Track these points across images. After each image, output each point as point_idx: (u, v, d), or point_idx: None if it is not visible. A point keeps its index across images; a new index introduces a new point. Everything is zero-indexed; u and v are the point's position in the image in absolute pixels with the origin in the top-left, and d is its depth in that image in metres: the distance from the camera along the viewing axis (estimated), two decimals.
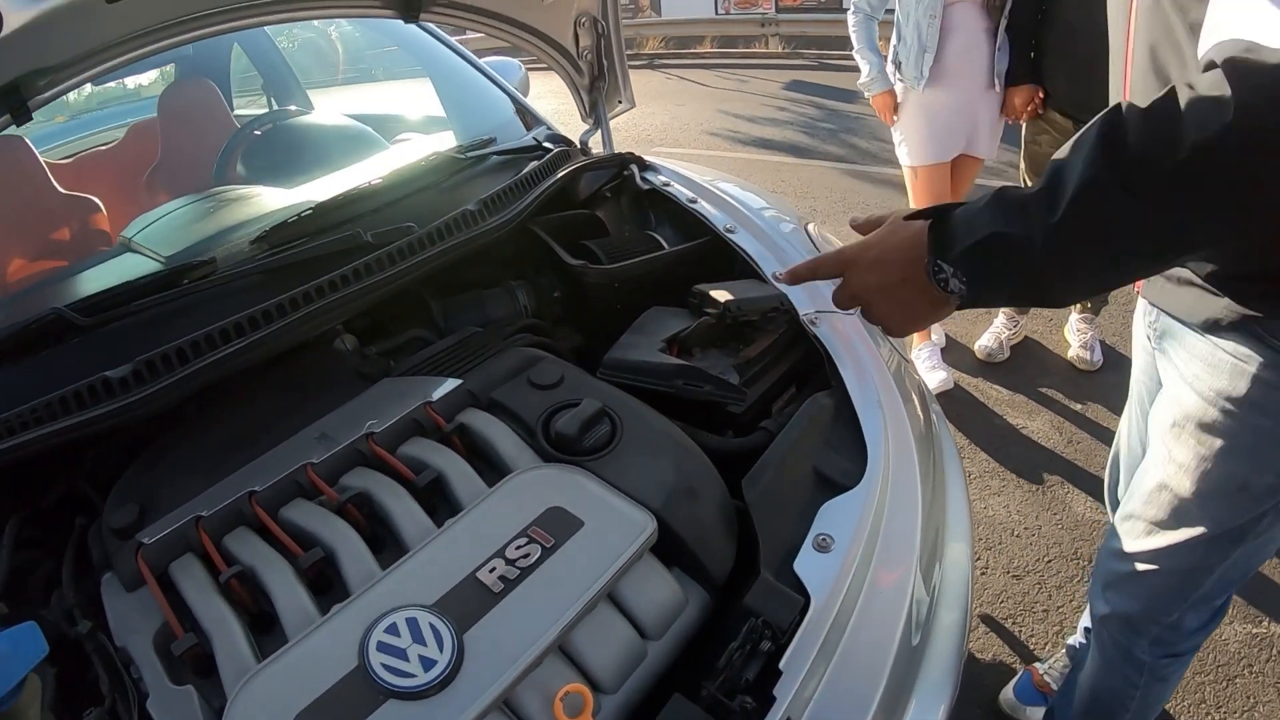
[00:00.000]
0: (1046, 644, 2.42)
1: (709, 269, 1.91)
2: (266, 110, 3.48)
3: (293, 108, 3.43)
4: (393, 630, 1.01)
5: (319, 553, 1.14)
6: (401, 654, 0.98)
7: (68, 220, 2.45)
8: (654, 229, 2.16)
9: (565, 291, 1.95)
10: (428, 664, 0.97)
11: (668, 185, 2.13)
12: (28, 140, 2.53)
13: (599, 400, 1.37)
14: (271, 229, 1.73)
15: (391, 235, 1.68)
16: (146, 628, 1.10)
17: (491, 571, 1.08)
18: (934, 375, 3.57)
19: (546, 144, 2.25)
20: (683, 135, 8.68)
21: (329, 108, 3.69)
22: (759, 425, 1.51)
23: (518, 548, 1.11)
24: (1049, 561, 2.72)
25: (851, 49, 3.44)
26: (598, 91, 2.39)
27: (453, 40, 2.76)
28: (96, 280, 1.85)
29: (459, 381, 1.46)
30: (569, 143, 2.37)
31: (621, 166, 2.23)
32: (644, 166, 2.24)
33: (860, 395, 1.53)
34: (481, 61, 2.73)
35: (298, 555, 1.14)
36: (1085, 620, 2.15)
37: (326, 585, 1.15)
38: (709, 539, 1.22)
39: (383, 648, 0.99)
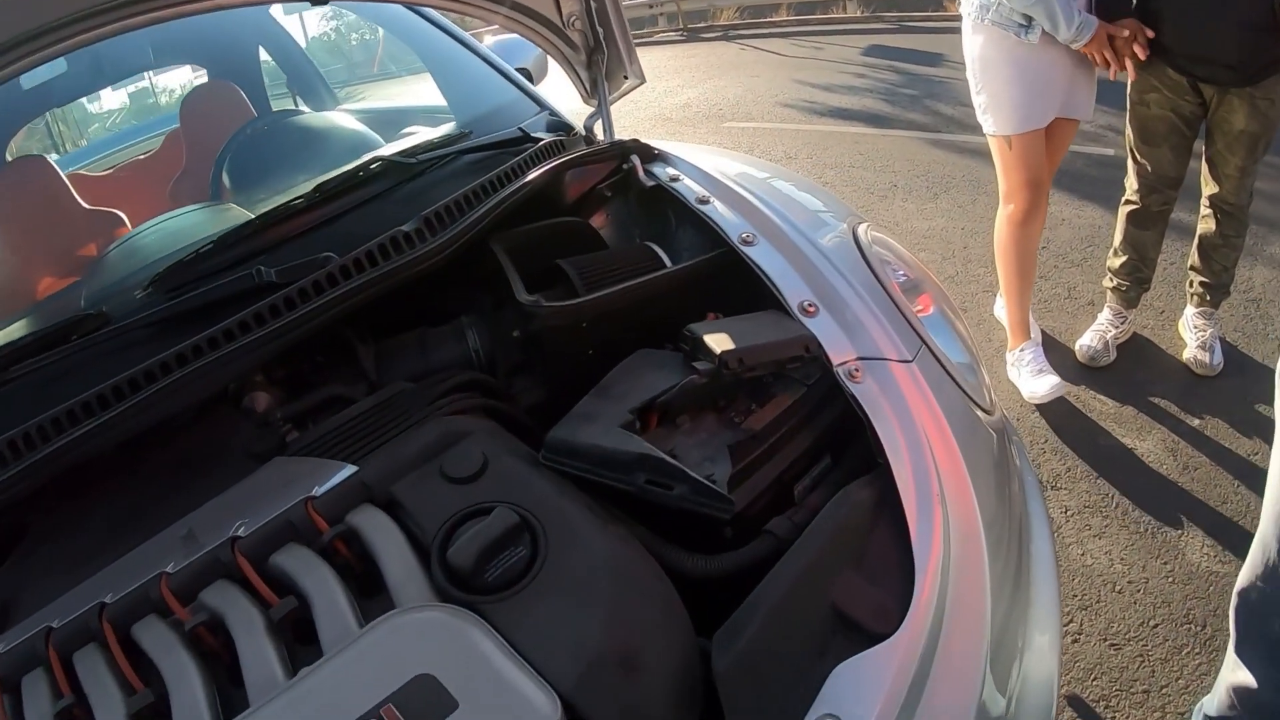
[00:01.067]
0: None
1: (726, 294, 1.49)
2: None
3: (279, 111, 3.23)
4: None
5: (149, 696, 0.97)
6: None
7: (92, 236, 2.44)
8: (672, 234, 1.72)
9: (525, 331, 1.53)
10: None
11: (676, 180, 1.67)
12: (50, 159, 2.62)
13: (516, 510, 1.04)
14: (165, 271, 1.53)
15: (300, 271, 1.39)
16: None
17: None
18: (1041, 381, 3.05)
19: (537, 135, 1.82)
20: (755, 108, 8.27)
21: (346, 106, 3.55)
22: (765, 528, 1.11)
23: None
24: (1154, 626, 2.23)
25: (996, 4, 2.74)
26: (596, 68, 1.97)
27: (446, 22, 2.47)
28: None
29: (354, 469, 1.18)
30: (570, 130, 1.95)
31: (621, 158, 1.77)
32: (650, 157, 1.79)
33: (914, 483, 1.12)
34: (483, 44, 2.43)
35: (135, 691, 0.99)
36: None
37: None
38: None
39: None
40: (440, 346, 1.52)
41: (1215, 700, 1.65)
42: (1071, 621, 2.28)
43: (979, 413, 1.34)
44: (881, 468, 1.14)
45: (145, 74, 4.08)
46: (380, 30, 4.11)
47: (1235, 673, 1.51)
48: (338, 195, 1.61)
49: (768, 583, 1.01)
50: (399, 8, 2.55)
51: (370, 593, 1.05)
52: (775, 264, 1.42)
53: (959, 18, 2.88)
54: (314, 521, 1.11)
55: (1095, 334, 3.31)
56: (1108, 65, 2.70)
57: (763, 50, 11.11)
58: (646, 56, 2.13)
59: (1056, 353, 3.38)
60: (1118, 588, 2.35)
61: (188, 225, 2.02)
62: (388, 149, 2.02)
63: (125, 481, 1.35)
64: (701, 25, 13.32)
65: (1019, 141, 2.86)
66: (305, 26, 4.03)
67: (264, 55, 3.54)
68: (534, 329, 1.44)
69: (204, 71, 3.71)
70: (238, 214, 1.96)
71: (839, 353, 1.26)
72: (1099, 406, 3.07)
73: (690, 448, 1.16)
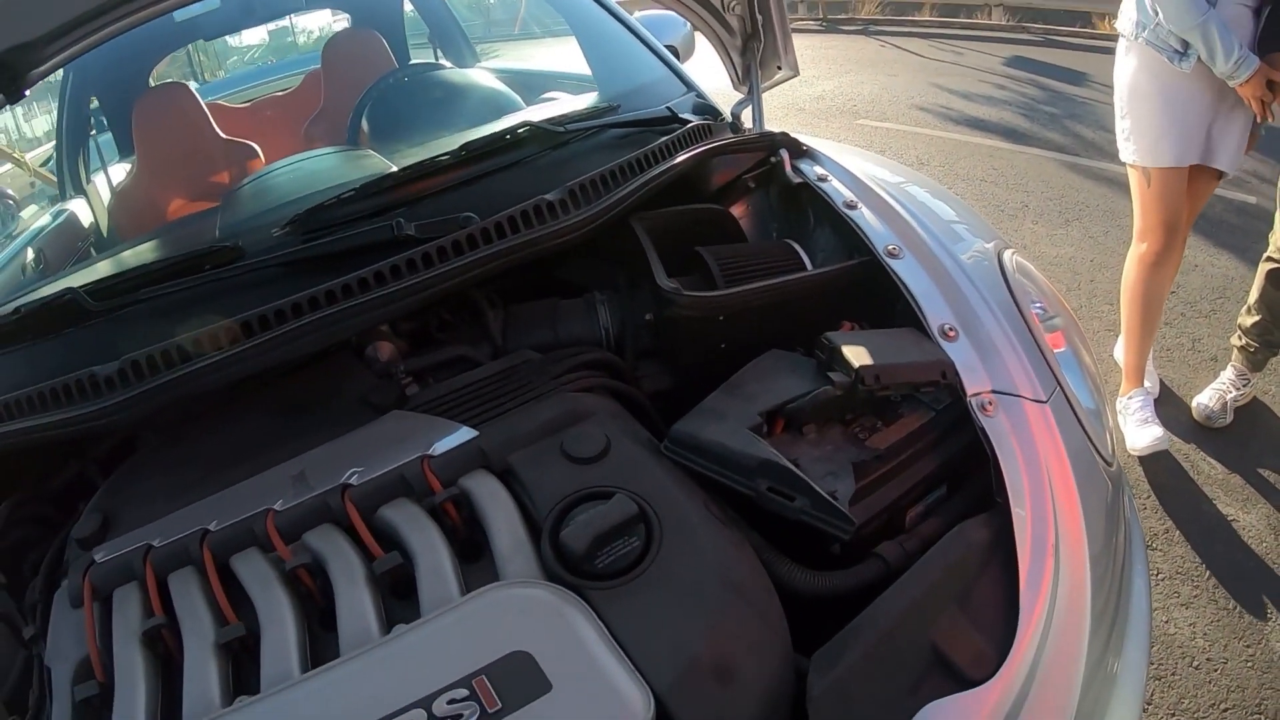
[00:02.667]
0: None
1: (861, 303, 1.46)
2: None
3: (421, 63, 3.30)
4: None
5: (240, 629, 1.00)
6: None
7: (227, 165, 2.54)
8: (810, 233, 1.69)
9: (659, 316, 1.50)
10: None
11: (824, 180, 1.63)
12: (191, 86, 2.74)
13: (635, 499, 1.03)
14: (305, 213, 1.51)
15: (441, 228, 1.38)
16: (73, 654, 1.05)
17: None
18: (1144, 432, 2.93)
19: (685, 115, 1.79)
20: (891, 108, 8.06)
21: (487, 65, 3.55)
22: (875, 550, 1.09)
23: (452, 702, 0.85)
24: (1224, 710, 2.14)
25: (1154, 23, 2.59)
26: (750, 55, 1.93)
27: None
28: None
29: (473, 434, 1.19)
30: (716, 115, 1.92)
31: (769, 150, 1.74)
32: (798, 153, 1.75)
33: (1031, 531, 1.08)
34: (633, 16, 2.39)
35: (227, 623, 1.02)
36: None
37: (254, 661, 0.99)
38: None
39: None
40: (570, 319, 1.51)
41: None
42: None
43: (1100, 462, 1.30)
44: (999, 507, 1.11)
45: (289, 15, 4.18)
46: None
47: None
48: (482, 157, 1.59)
49: (873, 610, 1.00)
50: None
51: (473, 560, 1.06)
52: (919, 281, 1.38)
53: (1108, 37, 2.80)
54: (428, 480, 1.12)
55: (1214, 393, 3.15)
56: (1264, 111, 2.55)
57: (902, 49, 10.82)
58: None
59: (1171, 406, 3.24)
60: (1195, 663, 2.27)
61: (326, 168, 2.06)
62: (533, 114, 2.01)
63: (238, 417, 1.38)
64: (842, 17, 13.04)
65: (1158, 177, 2.74)
66: None
67: (407, 6, 3.61)
68: (669, 315, 1.41)
69: (346, 17, 3.86)
70: (377, 163, 1.98)
71: (974, 383, 1.23)
72: (1207, 470, 2.94)
73: (814, 459, 1.14)
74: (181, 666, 0.99)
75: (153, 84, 3.06)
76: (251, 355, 1.27)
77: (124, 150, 2.89)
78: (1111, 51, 2.79)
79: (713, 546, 1.01)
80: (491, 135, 1.62)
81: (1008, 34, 11.28)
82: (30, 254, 2.27)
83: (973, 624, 1.00)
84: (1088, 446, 1.28)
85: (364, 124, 2.34)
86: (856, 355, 1.19)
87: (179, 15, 2.88)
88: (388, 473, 1.14)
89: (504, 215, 1.37)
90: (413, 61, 3.30)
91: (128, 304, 1.40)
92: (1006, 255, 1.51)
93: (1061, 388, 1.30)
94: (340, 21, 3.95)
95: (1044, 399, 1.24)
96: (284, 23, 4.57)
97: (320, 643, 1.01)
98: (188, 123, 2.52)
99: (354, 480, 1.14)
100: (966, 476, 1.22)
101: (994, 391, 1.23)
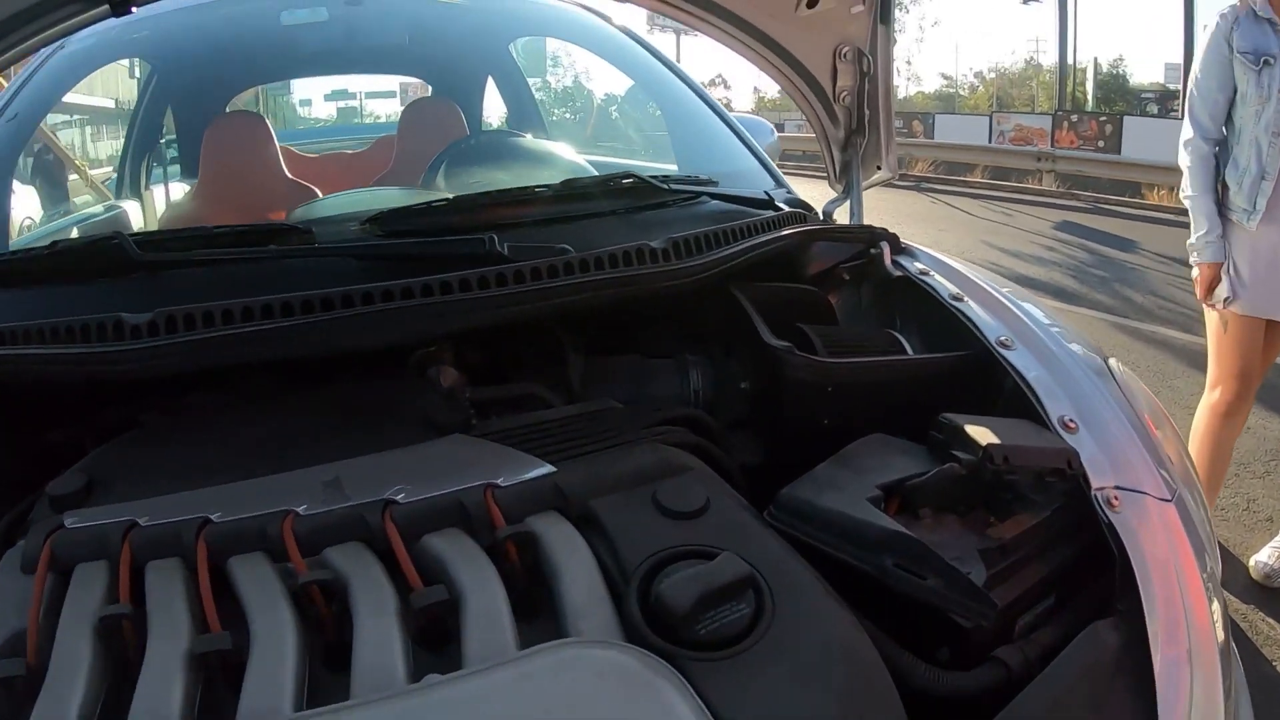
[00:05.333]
0: None
1: (965, 397, 1.37)
2: None
3: (503, 130, 3.38)
4: None
5: (225, 642, 0.78)
6: None
7: (288, 204, 2.36)
8: (908, 329, 1.61)
9: (757, 385, 1.42)
10: None
11: (925, 275, 1.59)
12: (266, 120, 2.72)
13: (746, 562, 0.85)
14: (389, 211, 1.41)
15: (536, 252, 1.27)
16: (9, 624, 0.83)
17: None
18: None
19: (781, 204, 1.76)
20: None
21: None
22: (994, 654, 0.96)
23: None
24: None
25: (1181, 190, 2.78)
26: (853, 149, 1.91)
27: (695, 81, 2.45)
28: None
29: (550, 469, 1.00)
30: (809, 209, 1.89)
31: (869, 242, 1.71)
32: (898, 248, 1.71)
33: (1165, 636, 0.97)
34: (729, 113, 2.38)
35: (209, 633, 0.80)
36: None
37: (234, 686, 0.76)
38: None
39: None
40: (658, 378, 1.42)
41: None
42: None
43: (1216, 570, 1.21)
44: (1127, 614, 1.00)
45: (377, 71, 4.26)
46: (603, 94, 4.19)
47: None
48: (580, 197, 1.54)
49: (1006, 716, 0.85)
50: (647, 56, 2.56)
51: (530, 619, 0.87)
52: (1035, 372, 1.31)
53: (1157, 208, 2.90)
54: (490, 512, 0.94)
55: (1273, 550, 3.05)
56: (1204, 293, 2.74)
57: (953, 207, 11.07)
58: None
59: (1229, 566, 3.12)
60: None
61: (404, 195, 2.00)
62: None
63: (276, 409, 1.23)
64: (899, 174, 13.38)
65: (1235, 324, 2.73)
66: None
67: (491, 87, 3.63)
68: (777, 382, 1.33)
69: (428, 87, 3.88)
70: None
71: (1099, 477, 1.14)
72: (1266, 630, 2.82)
73: (936, 544, 1.01)
74: (132, 679, 0.78)
75: (227, 111, 3.09)
76: (305, 334, 1.13)
77: (186, 169, 2.88)
78: (1159, 221, 2.86)
79: (835, 624, 0.85)
80: (593, 178, 1.60)
81: (1057, 200, 11.52)
82: (74, 233, 2.22)
83: None
84: (1207, 552, 1.19)
85: (439, 180, 2.26)
86: (982, 435, 1.11)
87: (286, 18, 2.87)
88: (442, 495, 0.96)
89: (604, 251, 1.28)
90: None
91: (176, 262, 1.29)
92: (1113, 363, 1.45)
93: (1182, 492, 1.22)
94: (422, 91, 4.02)
95: (1169, 498, 1.16)
96: (363, 86, 4.69)
97: (322, 686, 0.79)
98: (257, 153, 2.47)
99: (399, 499, 0.96)
100: (1078, 587, 1.11)
101: (1118, 487, 1.14)
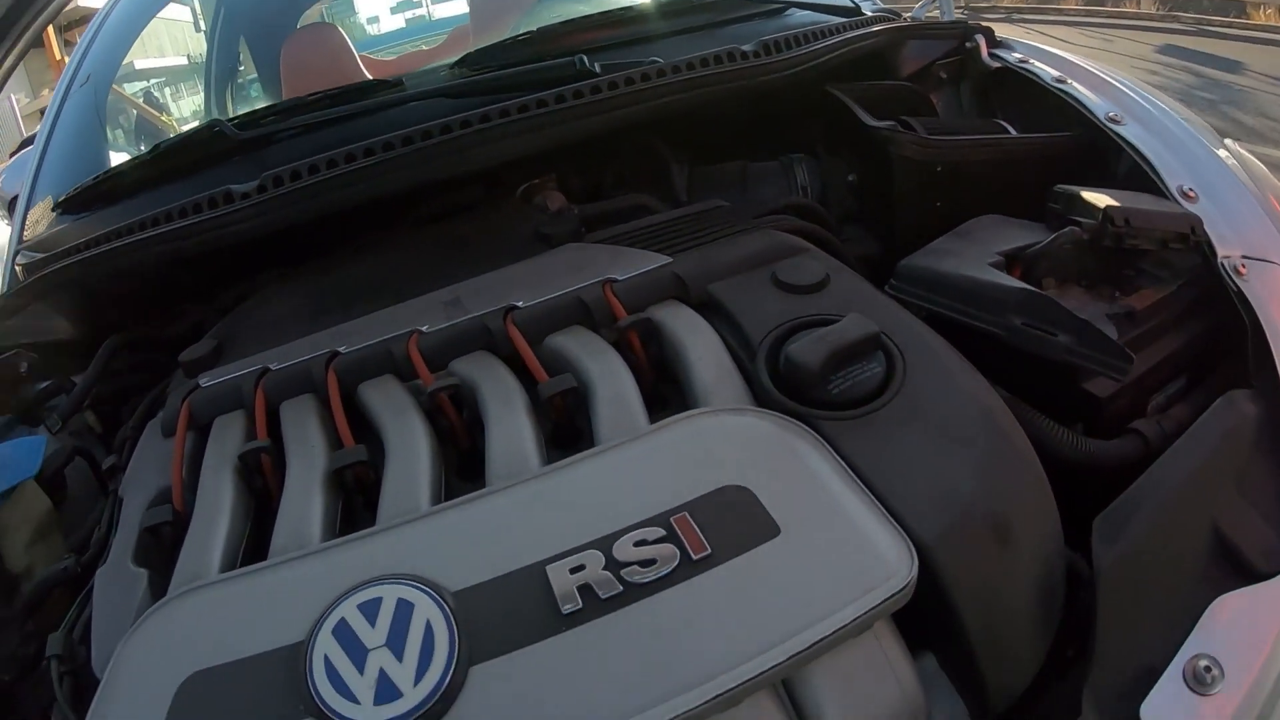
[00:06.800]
0: None
1: (1078, 178, 1.27)
2: None
3: None
4: (369, 610, 0.64)
5: (361, 453, 0.83)
6: (359, 655, 0.61)
7: None
8: (1013, 120, 1.54)
9: (864, 176, 1.39)
10: (385, 692, 0.59)
11: (1025, 63, 1.51)
12: (339, 29, 2.70)
13: (872, 323, 0.83)
14: (474, 52, 1.41)
15: (627, 67, 1.24)
16: (154, 484, 0.90)
17: (575, 573, 0.64)
18: None
19: (866, 11, 1.68)
20: None
21: None
22: (1131, 426, 0.93)
23: (640, 544, 0.65)
24: None
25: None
26: None
27: None
28: None
29: (666, 260, 1.01)
30: (897, 15, 1.79)
31: (964, 37, 1.62)
32: (994, 41, 1.62)
33: None
34: None
35: (344, 448, 0.85)
36: None
37: (365, 500, 0.83)
38: (1007, 624, 0.70)
39: (341, 633, 0.63)
40: (764, 180, 1.40)
41: None
42: None
43: None
44: (1264, 387, 0.95)
45: None
46: None
47: None
48: (665, 14, 1.51)
49: (1148, 480, 0.82)
50: None
51: (662, 406, 0.88)
52: (1149, 145, 1.24)
53: (1263, 27, 2.62)
54: (610, 306, 0.95)
55: None
56: None
57: (1049, 36, 10.51)
58: None
59: None
60: None
61: None
62: None
63: (389, 249, 1.28)
64: (984, 5, 12.78)
65: None
66: None
67: None
68: (884, 169, 1.30)
69: None
70: None
71: (1224, 245, 1.08)
72: None
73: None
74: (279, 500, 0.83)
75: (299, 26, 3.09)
76: (408, 164, 1.15)
77: (268, 93, 2.88)
78: (1267, 42, 2.64)
79: (971, 385, 0.83)
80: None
81: (1158, 22, 10.96)
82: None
83: (1258, 509, 0.84)
84: None
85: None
86: (1100, 200, 1.06)
87: None
88: (561, 295, 0.97)
89: (695, 56, 1.25)
90: None
91: (273, 135, 1.33)
92: (1229, 140, 1.37)
93: None
94: None
95: None
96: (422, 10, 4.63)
97: (457, 494, 0.78)
98: (337, 62, 2.45)
99: (520, 305, 0.98)
100: (1210, 368, 1.07)
101: (1245, 256, 1.08)
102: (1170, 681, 0.70)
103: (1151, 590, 0.76)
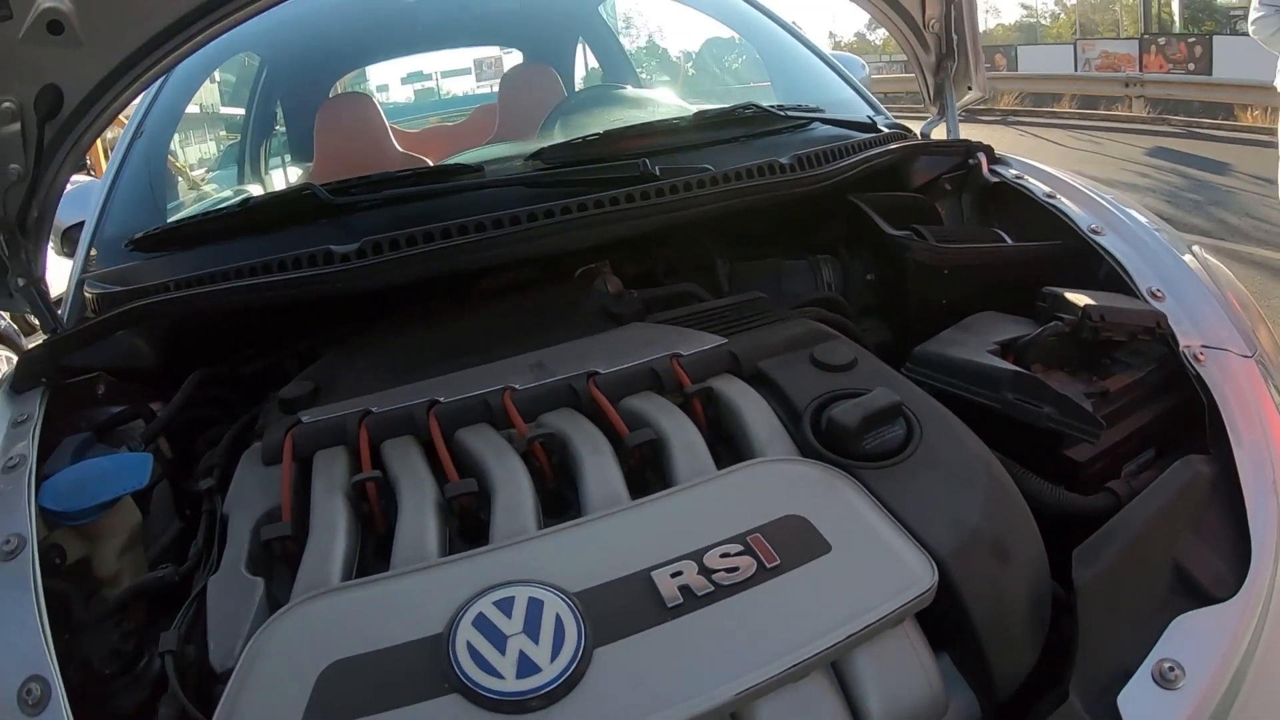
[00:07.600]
0: None
1: (1063, 280, 1.51)
2: None
3: (604, 84, 3.46)
4: (504, 606, 0.78)
5: (471, 485, 0.96)
6: (499, 641, 0.76)
7: None
8: (1007, 230, 1.78)
9: (881, 275, 1.63)
10: (525, 668, 0.73)
11: (1020, 179, 1.75)
12: (374, 99, 2.88)
13: (896, 394, 1.05)
14: (549, 147, 1.63)
15: (682, 172, 1.46)
16: (259, 505, 1.00)
17: (675, 577, 0.81)
18: None
19: (882, 127, 1.93)
20: None
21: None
22: (1106, 485, 1.13)
23: (724, 556, 0.84)
24: None
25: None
26: (944, 73, 2.04)
27: (784, 20, 2.59)
28: None
29: (722, 340, 1.21)
30: (908, 131, 2.04)
31: (967, 154, 1.87)
32: (994, 158, 1.87)
33: (1252, 469, 1.11)
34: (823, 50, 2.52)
35: (451, 481, 0.97)
36: None
37: (473, 528, 0.97)
38: (1007, 624, 0.88)
39: (481, 624, 0.77)
40: (794, 276, 1.61)
41: None
42: None
43: None
44: (1219, 452, 1.15)
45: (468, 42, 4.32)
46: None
47: None
48: (711, 126, 1.72)
49: (1119, 521, 1.01)
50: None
51: (721, 457, 1.04)
52: (1124, 252, 1.47)
53: (1250, 129, 2.87)
54: (677, 376, 1.13)
55: None
56: None
57: (1042, 138, 10.88)
58: None
59: None
60: None
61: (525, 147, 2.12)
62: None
63: (471, 314, 1.43)
64: (980, 108, 13.15)
65: None
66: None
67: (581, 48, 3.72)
68: (898, 271, 1.52)
69: (519, 54, 3.95)
70: None
71: (1185, 337, 1.30)
72: None
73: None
74: (391, 530, 0.95)
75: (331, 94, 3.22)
76: (495, 244, 1.31)
77: (296, 154, 3.01)
78: (1254, 143, 2.88)
79: (973, 446, 1.03)
80: (721, 109, 1.77)
81: (1148, 126, 11.20)
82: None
83: (1211, 547, 1.03)
84: None
85: (556, 133, 2.37)
86: (1080, 299, 1.28)
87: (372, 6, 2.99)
88: (634, 365, 1.15)
89: (741, 167, 1.47)
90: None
91: (361, 204, 1.46)
92: (1195, 248, 1.59)
93: (1263, 352, 1.36)
94: (514, 57, 4.13)
95: (1250, 355, 1.30)
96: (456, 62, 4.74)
97: (556, 516, 0.97)
98: (368, 131, 2.60)
99: (600, 371, 1.14)
100: (1176, 440, 1.26)
101: (1204, 346, 1.29)
102: (1142, 678, 0.87)
103: (1123, 607, 0.93)
